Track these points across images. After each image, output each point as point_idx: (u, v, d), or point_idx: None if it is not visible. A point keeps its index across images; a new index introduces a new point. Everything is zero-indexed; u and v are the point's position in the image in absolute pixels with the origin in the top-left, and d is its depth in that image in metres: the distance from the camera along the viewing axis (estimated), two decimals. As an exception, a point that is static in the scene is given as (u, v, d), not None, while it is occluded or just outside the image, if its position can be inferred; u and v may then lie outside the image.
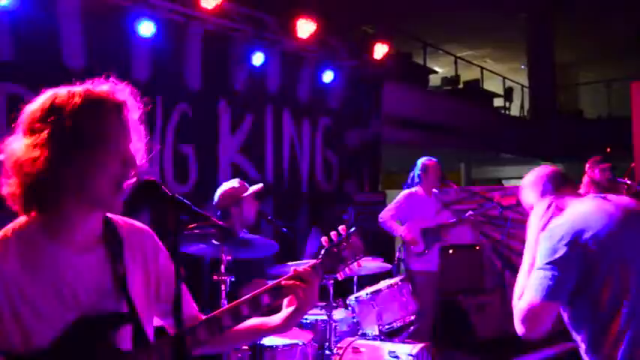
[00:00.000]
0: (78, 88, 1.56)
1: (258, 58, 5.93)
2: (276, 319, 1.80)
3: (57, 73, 4.40)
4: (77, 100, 1.52)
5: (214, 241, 3.51)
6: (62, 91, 1.55)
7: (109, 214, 1.65)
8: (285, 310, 1.79)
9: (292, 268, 1.80)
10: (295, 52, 6.49)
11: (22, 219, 1.56)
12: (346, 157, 7.28)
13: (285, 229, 4.26)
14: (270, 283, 1.80)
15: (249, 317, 1.74)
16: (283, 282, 1.77)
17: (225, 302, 3.34)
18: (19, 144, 1.50)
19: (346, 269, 1.87)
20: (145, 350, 1.60)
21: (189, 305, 1.80)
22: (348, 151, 7.31)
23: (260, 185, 4.28)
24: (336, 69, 6.88)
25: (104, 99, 1.56)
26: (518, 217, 7.25)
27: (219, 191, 4.25)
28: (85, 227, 1.58)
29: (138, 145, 1.61)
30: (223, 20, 5.64)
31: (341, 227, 1.88)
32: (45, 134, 1.48)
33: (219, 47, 5.76)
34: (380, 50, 7.17)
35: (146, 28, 4.92)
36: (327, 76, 6.80)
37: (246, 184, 4.32)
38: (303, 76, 6.70)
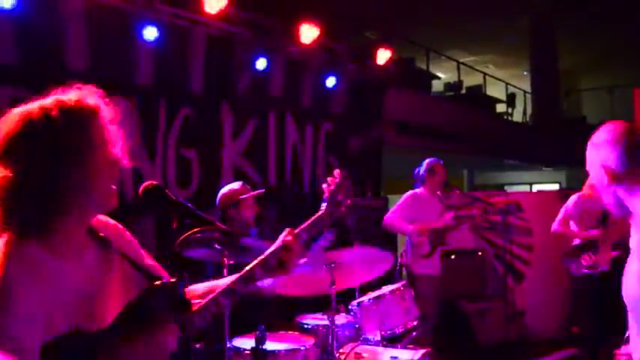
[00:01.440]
0: (48, 102, 1.50)
1: (261, 63, 5.93)
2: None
3: (60, 76, 4.38)
4: (54, 114, 1.47)
5: (217, 246, 3.51)
6: (34, 109, 1.49)
7: None
8: None
9: (281, 238, 1.91)
10: (298, 57, 6.49)
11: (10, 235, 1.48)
12: (348, 161, 7.27)
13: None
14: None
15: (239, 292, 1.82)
16: (275, 253, 1.86)
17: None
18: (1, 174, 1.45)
19: (341, 210, 2.07)
20: None
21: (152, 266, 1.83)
22: (351, 156, 7.31)
23: (260, 190, 4.30)
24: (339, 74, 6.88)
25: (78, 108, 1.51)
26: (520, 223, 7.27)
27: (220, 193, 4.29)
28: (79, 236, 1.58)
29: (118, 144, 1.59)
30: (227, 25, 5.65)
31: (336, 171, 2.08)
32: (30, 158, 1.44)
33: (223, 52, 5.76)
34: (383, 56, 7.18)
35: (150, 33, 4.93)
36: (330, 82, 6.80)
37: (247, 187, 4.34)
38: (306, 81, 6.70)
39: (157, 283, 1.57)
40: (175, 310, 1.55)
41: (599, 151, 2.06)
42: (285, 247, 1.85)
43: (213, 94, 5.69)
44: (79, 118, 1.50)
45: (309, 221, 1.98)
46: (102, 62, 4.68)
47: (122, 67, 4.92)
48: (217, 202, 4.30)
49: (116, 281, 1.65)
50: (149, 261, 1.80)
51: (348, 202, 2.08)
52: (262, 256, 1.84)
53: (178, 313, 1.56)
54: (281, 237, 1.88)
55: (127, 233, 1.78)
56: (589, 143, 2.10)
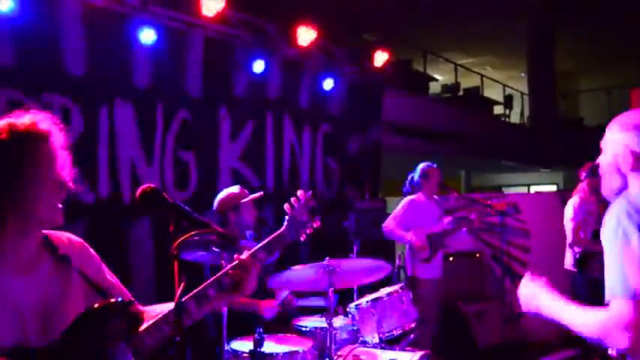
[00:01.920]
0: (1, 123, 1.57)
1: (258, 65, 5.92)
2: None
3: (57, 79, 4.37)
4: (3, 136, 1.54)
5: (214, 248, 3.51)
6: None
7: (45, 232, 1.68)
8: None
9: (235, 256, 1.89)
10: (296, 59, 6.49)
11: None
12: (346, 163, 7.28)
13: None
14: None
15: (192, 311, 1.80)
16: (229, 272, 1.85)
17: (225, 309, 3.35)
18: None
19: (307, 231, 2.04)
20: None
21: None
22: (349, 158, 7.32)
23: (259, 193, 4.30)
24: (337, 76, 6.89)
25: (30, 132, 1.58)
26: (517, 224, 7.27)
27: (218, 197, 4.29)
28: (28, 251, 1.61)
29: (66, 168, 1.64)
30: (224, 27, 5.65)
31: (299, 192, 2.06)
32: None
33: (220, 54, 5.76)
34: (380, 58, 7.18)
35: (147, 36, 4.92)
36: (328, 84, 6.80)
37: (246, 191, 4.34)
38: (304, 83, 6.71)
39: (111, 301, 1.59)
40: (125, 327, 1.57)
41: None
42: (239, 265, 1.84)
43: (211, 96, 5.68)
44: (29, 141, 1.57)
45: (266, 240, 1.95)
46: (99, 65, 4.67)
47: (120, 70, 4.91)
48: (216, 206, 4.27)
49: (76, 298, 1.66)
50: (111, 278, 1.81)
51: (317, 223, 2.07)
52: (216, 275, 1.82)
53: (128, 330, 1.58)
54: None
55: (91, 251, 1.80)
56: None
